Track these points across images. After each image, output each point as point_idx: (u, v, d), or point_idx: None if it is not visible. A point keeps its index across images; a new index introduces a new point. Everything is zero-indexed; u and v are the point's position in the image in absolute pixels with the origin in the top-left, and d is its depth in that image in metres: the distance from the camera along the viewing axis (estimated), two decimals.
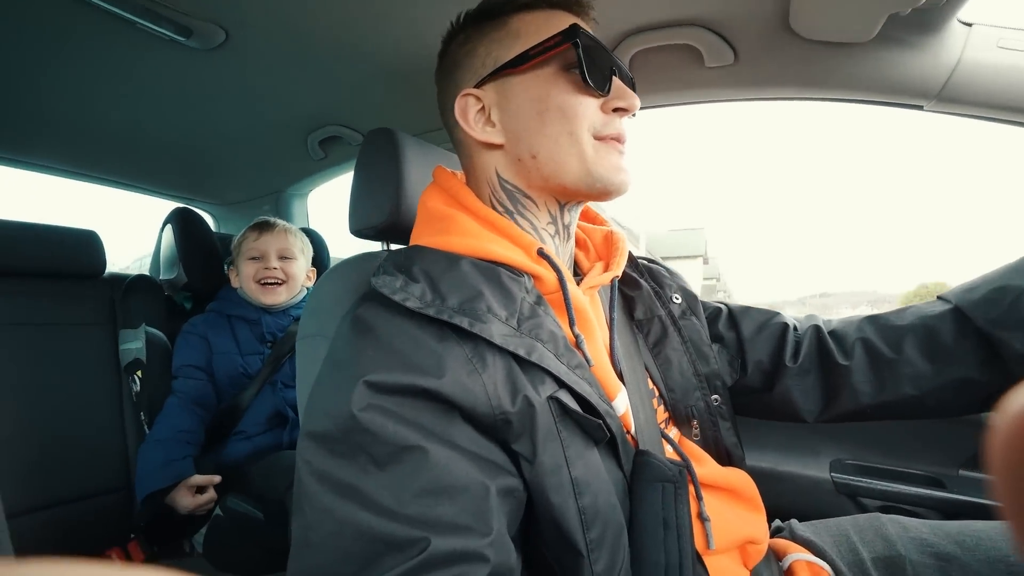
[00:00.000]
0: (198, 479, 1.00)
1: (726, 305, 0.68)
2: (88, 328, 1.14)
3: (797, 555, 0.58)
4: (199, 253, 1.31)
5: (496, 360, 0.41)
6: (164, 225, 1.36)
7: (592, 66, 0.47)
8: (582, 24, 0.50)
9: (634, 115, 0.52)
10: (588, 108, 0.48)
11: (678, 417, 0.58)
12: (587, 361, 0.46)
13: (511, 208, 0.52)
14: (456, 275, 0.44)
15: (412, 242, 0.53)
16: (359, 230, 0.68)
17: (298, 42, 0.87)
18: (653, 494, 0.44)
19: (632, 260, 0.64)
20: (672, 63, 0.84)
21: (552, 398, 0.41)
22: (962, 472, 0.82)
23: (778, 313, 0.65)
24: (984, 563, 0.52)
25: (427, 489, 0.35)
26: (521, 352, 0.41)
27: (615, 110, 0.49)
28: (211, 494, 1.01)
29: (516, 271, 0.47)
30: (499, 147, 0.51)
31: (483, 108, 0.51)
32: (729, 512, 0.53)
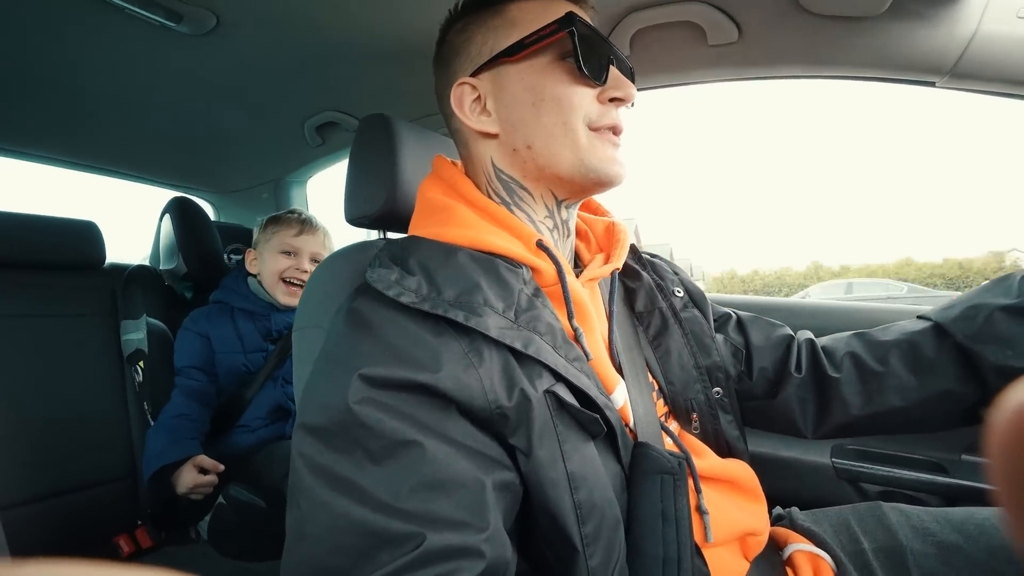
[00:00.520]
0: (205, 460, 1.00)
1: (735, 312, 0.68)
2: (90, 319, 1.15)
3: (798, 545, 0.58)
4: (198, 242, 1.30)
5: (493, 354, 0.40)
6: (163, 215, 1.35)
7: (588, 55, 0.47)
8: (580, 12, 0.49)
9: (632, 105, 0.51)
10: (583, 98, 0.48)
11: (677, 410, 0.57)
12: (585, 354, 0.45)
13: (507, 199, 0.51)
14: (453, 267, 0.43)
15: (410, 232, 0.52)
16: (355, 219, 0.67)
17: (291, 27, 0.86)
18: (652, 486, 0.44)
19: (634, 252, 0.63)
20: (674, 42, 0.81)
21: (549, 392, 0.41)
22: (964, 457, 0.81)
23: (782, 325, 0.66)
24: (987, 552, 0.52)
25: (423, 484, 0.35)
26: (518, 345, 0.40)
27: (611, 100, 0.49)
28: (212, 478, 1.00)
29: (514, 263, 0.46)
30: (494, 136, 0.50)
31: (479, 97, 0.50)
32: (729, 504, 0.53)
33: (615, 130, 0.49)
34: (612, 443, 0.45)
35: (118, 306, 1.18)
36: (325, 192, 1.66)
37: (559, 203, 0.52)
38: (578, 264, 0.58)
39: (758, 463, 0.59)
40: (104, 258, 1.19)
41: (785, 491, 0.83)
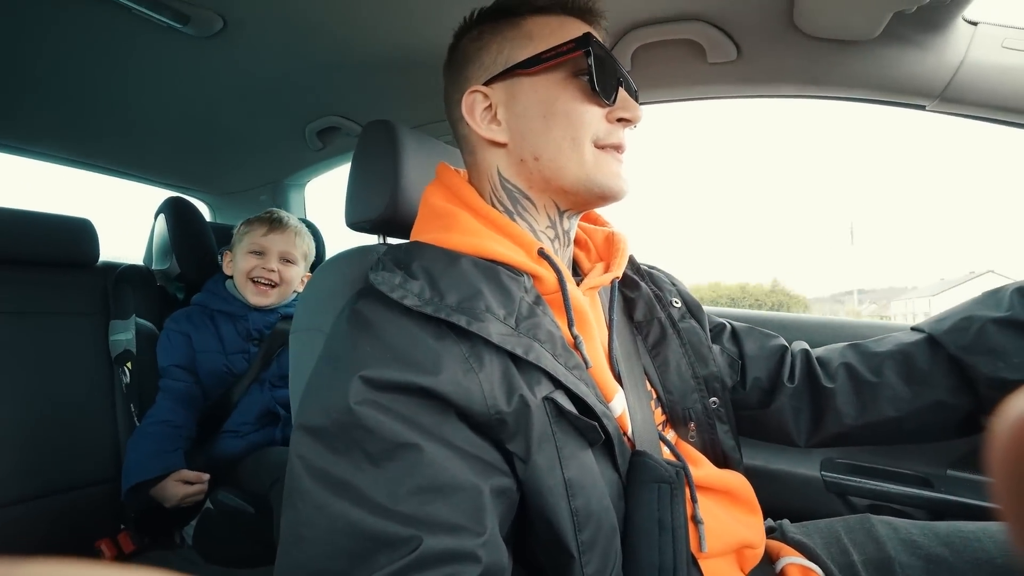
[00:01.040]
0: (187, 474, 0.99)
1: (730, 323, 0.69)
2: (80, 317, 1.13)
3: (790, 559, 0.58)
4: (193, 243, 1.29)
5: (493, 359, 0.40)
6: (157, 215, 1.34)
7: (601, 75, 0.48)
8: (593, 31, 0.51)
9: (635, 126, 0.52)
10: (593, 116, 0.49)
11: (675, 419, 0.58)
12: (585, 362, 0.45)
13: (510, 208, 0.52)
14: (455, 273, 0.44)
15: (413, 238, 0.52)
16: (356, 223, 0.67)
17: (297, 31, 0.86)
18: (649, 495, 0.44)
19: (633, 263, 0.64)
20: (674, 58, 0.83)
21: (548, 399, 0.41)
22: (950, 472, 0.82)
23: (777, 336, 0.67)
24: (971, 565, 0.52)
25: (421, 487, 0.35)
26: (518, 352, 0.40)
27: (619, 120, 0.50)
28: (199, 487, 0.99)
29: (516, 270, 0.47)
30: (503, 146, 0.51)
31: (490, 106, 0.51)
32: (725, 515, 0.53)
33: (619, 148, 0.51)
34: (610, 451, 0.45)
35: (109, 305, 1.17)
36: (324, 196, 1.66)
37: (561, 214, 0.53)
38: (577, 273, 0.59)
39: (749, 475, 0.59)
40: (97, 256, 1.18)
41: (775, 503, 0.83)
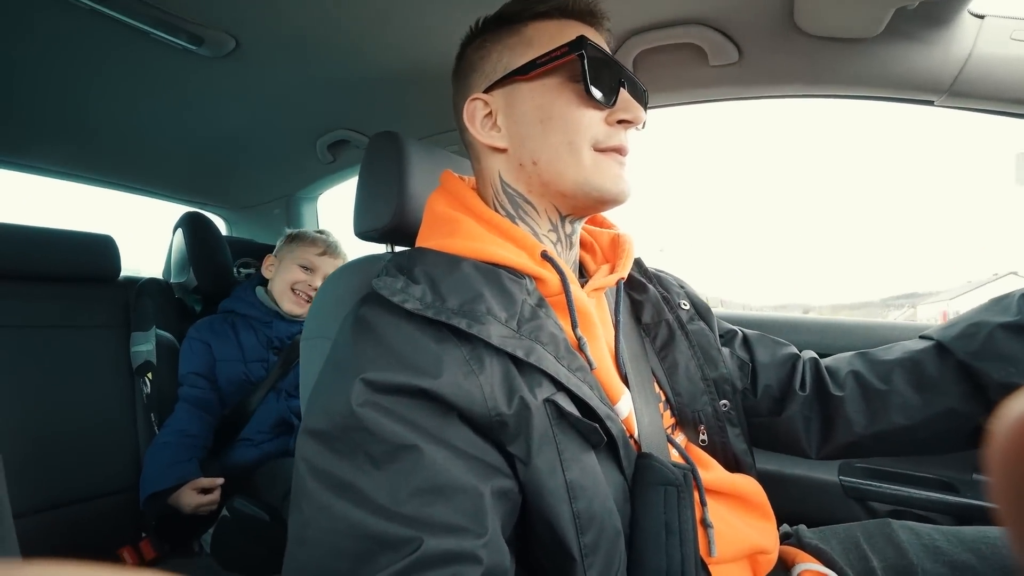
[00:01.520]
0: (203, 481, 1.01)
1: (741, 330, 0.68)
2: (102, 330, 1.17)
3: (806, 565, 0.57)
4: (210, 257, 1.33)
5: (494, 362, 0.41)
6: (176, 229, 1.38)
7: (597, 78, 0.48)
8: (593, 34, 0.51)
9: (642, 127, 0.52)
10: (591, 120, 0.49)
11: (684, 422, 0.57)
12: (589, 364, 0.45)
13: (512, 212, 0.52)
14: (457, 277, 0.44)
15: (417, 244, 0.53)
16: (363, 232, 0.68)
17: (306, 49, 0.89)
18: (656, 497, 0.44)
19: (640, 265, 0.64)
20: (676, 62, 0.84)
21: (549, 401, 0.41)
22: (975, 476, 0.80)
23: (788, 344, 0.66)
24: (1000, 572, 0.50)
25: (423, 488, 0.35)
26: (519, 353, 0.41)
27: (620, 122, 0.50)
28: (215, 495, 1.02)
29: (518, 273, 0.47)
30: (503, 151, 0.52)
31: (490, 113, 0.52)
32: (736, 519, 0.53)
33: (620, 151, 0.50)
34: (614, 453, 0.45)
35: (130, 318, 1.21)
36: (334, 207, 1.69)
37: (563, 218, 0.53)
38: (583, 275, 0.59)
39: (764, 480, 0.58)
40: (119, 271, 1.22)
41: (792, 509, 0.82)
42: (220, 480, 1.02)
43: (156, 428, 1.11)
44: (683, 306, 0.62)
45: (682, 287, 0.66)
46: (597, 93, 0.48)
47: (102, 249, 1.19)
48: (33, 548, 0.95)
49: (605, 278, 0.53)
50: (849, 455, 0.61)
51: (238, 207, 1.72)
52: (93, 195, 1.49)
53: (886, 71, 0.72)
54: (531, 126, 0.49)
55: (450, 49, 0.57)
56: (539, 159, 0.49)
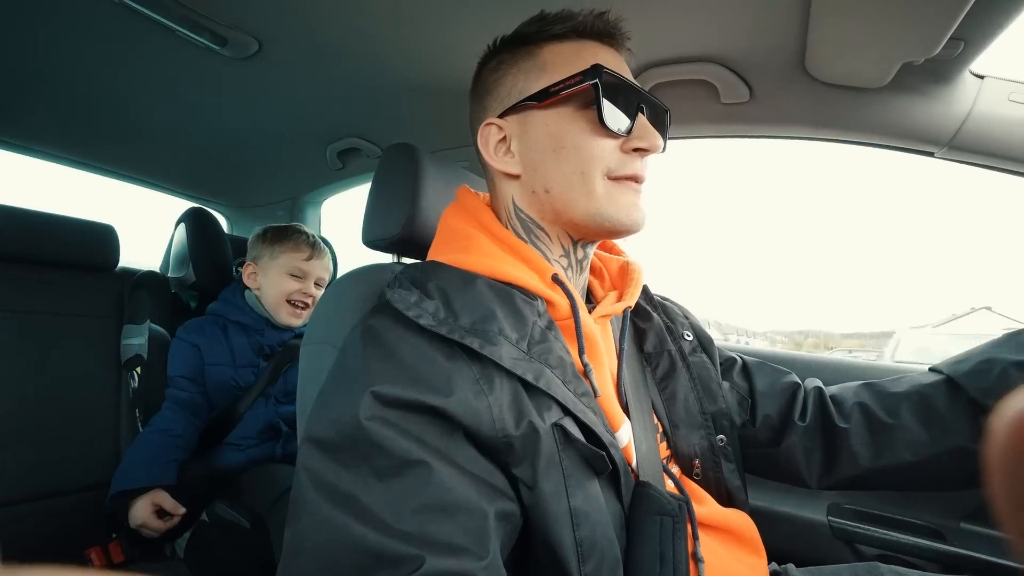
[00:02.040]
0: (165, 500, 0.94)
1: (741, 357, 0.68)
2: (95, 320, 1.15)
3: None
4: (210, 254, 1.31)
5: (504, 383, 0.40)
6: (178, 224, 1.38)
7: (614, 104, 0.47)
8: (612, 56, 0.50)
9: (662, 151, 0.51)
10: (604, 149, 0.48)
11: (680, 454, 0.57)
12: (594, 391, 0.45)
13: (524, 237, 0.52)
14: (471, 294, 0.44)
15: (430, 257, 0.53)
16: (372, 241, 0.68)
17: (327, 55, 0.90)
18: (652, 527, 0.44)
19: (647, 293, 0.64)
20: (689, 97, 0.86)
21: (556, 425, 0.41)
22: (964, 525, 0.80)
23: (789, 372, 0.66)
24: None
25: (426, 506, 0.35)
26: (529, 377, 0.41)
27: (636, 150, 0.49)
28: (159, 525, 0.94)
29: (530, 294, 0.47)
30: (516, 177, 0.52)
31: (504, 138, 0.52)
32: (727, 554, 0.52)
33: (636, 179, 0.50)
34: (615, 481, 0.45)
35: (123, 310, 1.19)
36: (338, 214, 1.70)
37: (575, 243, 0.53)
38: (590, 300, 0.59)
39: (755, 516, 0.58)
40: (117, 261, 1.21)
41: (780, 546, 0.81)
42: (181, 510, 0.95)
43: (140, 425, 1.08)
44: (686, 337, 0.63)
45: (686, 317, 0.67)
46: (612, 123, 0.47)
47: (102, 238, 1.18)
48: (2, 541, 0.92)
49: (612, 306, 0.53)
50: (851, 488, 0.60)
51: (242, 206, 1.72)
52: (95, 185, 1.48)
53: (890, 120, 0.75)
54: (544, 154, 0.49)
55: (470, 65, 0.58)
56: (551, 188, 0.49)
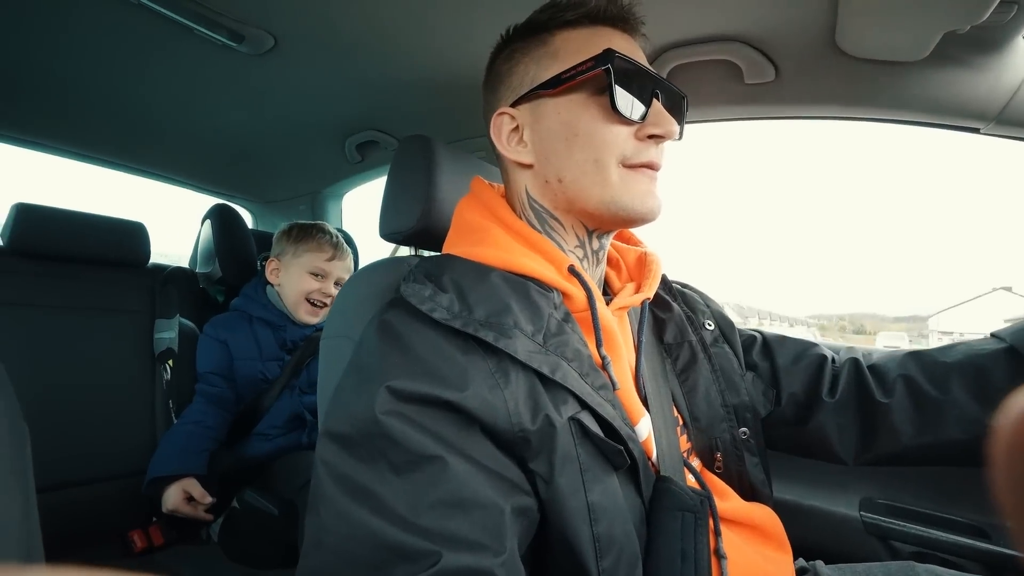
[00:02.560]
0: (195, 487, 1.00)
1: (761, 333, 0.65)
2: (128, 315, 1.20)
3: None
4: (236, 249, 1.35)
5: (519, 376, 0.40)
6: (204, 220, 1.42)
7: (627, 90, 0.46)
8: (626, 42, 0.49)
9: (678, 138, 0.50)
10: (618, 136, 0.47)
11: (701, 448, 0.56)
12: (612, 383, 0.44)
13: (539, 227, 0.52)
14: (485, 287, 0.43)
15: (445, 250, 0.53)
16: (389, 234, 0.69)
17: (343, 49, 0.90)
18: (673, 523, 0.43)
19: (665, 282, 0.62)
20: (710, 78, 0.83)
21: (573, 419, 0.40)
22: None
23: (816, 344, 0.62)
24: None
25: (443, 501, 0.35)
26: (545, 370, 0.40)
27: (650, 136, 0.47)
28: (195, 510, 1.00)
29: (546, 286, 0.46)
30: (529, 167, 0.51)
31: (517, 127, 0.51)
32: (751, 551, 0.51)
33: (651, 167, 0.48)
34: (634, 476, 0.44)
35: (155, 305, 1.23)
36: (357, 206, 1.71)
37: (590, 233, 0.52)
38: (607, 292, 0.58)
39: (780, 510, 0.56)
40: (148, 258, 1.25)
41: (809, 542, 0.79)
42: (209, 497, 1.00)
43: (173, 415, 1.13)
44: (707, 326, 0.61)
45: (707, 305, 0.65)
46: (625, 109, 0.46)
47: (134, 235, 1.22)
48: (44, 526, 0.97)
49: (630, 297, 0.52)
50: (891, 464, 0.57)
51: (265, 201, 1.76)
52: (125, 183, 1.53)
53: (930, 95, 0.70)
54: (556, 143, 0.48)
55: (486, 55, 0.57)
56: (564, 177, 0.48)
